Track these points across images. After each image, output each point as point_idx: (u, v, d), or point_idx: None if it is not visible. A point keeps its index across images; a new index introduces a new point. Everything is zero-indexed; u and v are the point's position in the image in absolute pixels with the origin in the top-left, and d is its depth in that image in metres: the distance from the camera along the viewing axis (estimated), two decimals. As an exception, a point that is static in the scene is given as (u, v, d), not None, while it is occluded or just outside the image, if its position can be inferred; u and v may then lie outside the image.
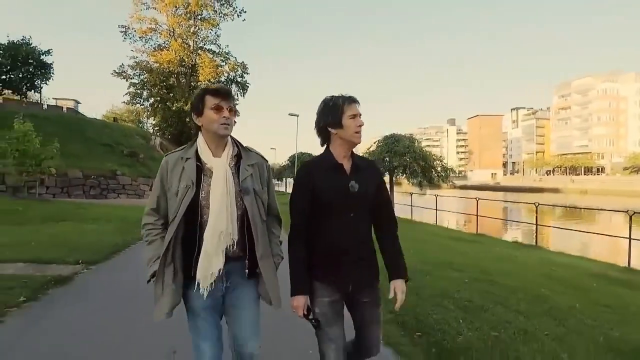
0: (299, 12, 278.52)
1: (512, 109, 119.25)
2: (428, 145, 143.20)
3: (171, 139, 36.80)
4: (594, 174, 78.44)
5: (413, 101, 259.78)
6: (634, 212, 8.02)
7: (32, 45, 22.01)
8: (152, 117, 42.04)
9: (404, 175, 16.74)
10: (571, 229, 12.04)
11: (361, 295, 1.80)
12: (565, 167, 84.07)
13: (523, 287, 4.80)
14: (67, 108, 35.71)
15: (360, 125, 1.74)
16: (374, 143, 17.56)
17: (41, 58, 22.18)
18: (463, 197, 18.85)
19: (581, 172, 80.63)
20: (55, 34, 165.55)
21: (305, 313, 1.70)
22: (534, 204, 10.63)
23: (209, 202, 1.65)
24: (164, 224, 1.74)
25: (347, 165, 1.78)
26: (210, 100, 1.68)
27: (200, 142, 1.75)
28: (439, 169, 17.18)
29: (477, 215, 12.58)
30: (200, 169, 1.69)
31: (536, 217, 10.72)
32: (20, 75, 21.09)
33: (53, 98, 31.20)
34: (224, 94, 1.70)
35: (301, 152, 24.25)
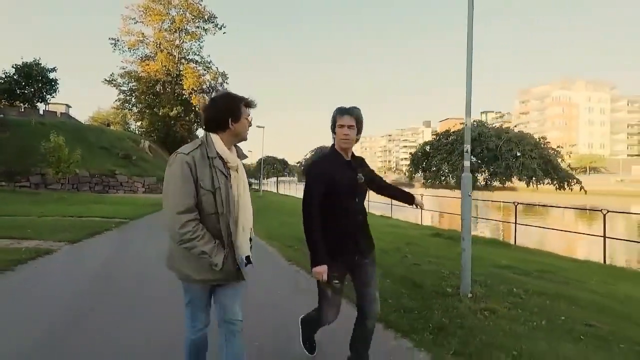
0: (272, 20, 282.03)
1: (481, 112, 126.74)
2: (405, 147, 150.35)
3: (158, 141, 39.87)
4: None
5: (392, 102, 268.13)
6: (519, 203, 9.86)
7: (41, 65, 26.52)
8: (140, 122, 45.46)
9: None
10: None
11: (362, 259, 2.29)
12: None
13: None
14: (60, 113, 39.27)
15: (345, 134, 2.21)
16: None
17: (48, 75, 26.70)
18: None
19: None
20: (52, 46, 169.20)
21: (327, 278, 2.09)
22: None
23: (236, 197, 1.90)
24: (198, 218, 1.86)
25: (352, 162, 2.31)
26: (247, 112, 1.96)
27: (217, 142, 1.87)
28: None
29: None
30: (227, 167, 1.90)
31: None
32: (33, 90, 25.59)
33: (46, 103, 35.39)
34: (253, 108, 2.00)
35: (267, 156, 29.26)
